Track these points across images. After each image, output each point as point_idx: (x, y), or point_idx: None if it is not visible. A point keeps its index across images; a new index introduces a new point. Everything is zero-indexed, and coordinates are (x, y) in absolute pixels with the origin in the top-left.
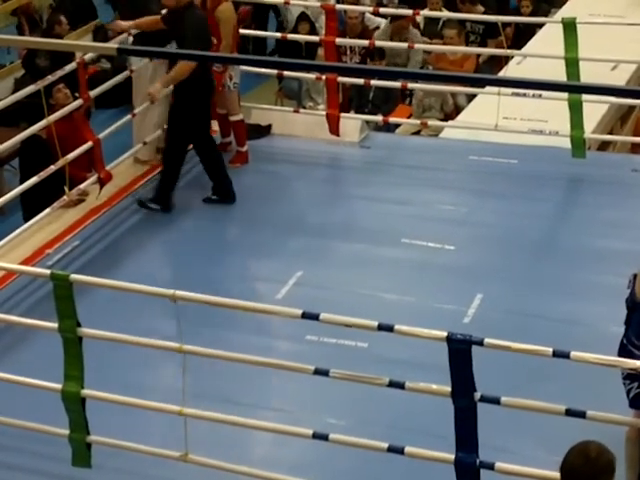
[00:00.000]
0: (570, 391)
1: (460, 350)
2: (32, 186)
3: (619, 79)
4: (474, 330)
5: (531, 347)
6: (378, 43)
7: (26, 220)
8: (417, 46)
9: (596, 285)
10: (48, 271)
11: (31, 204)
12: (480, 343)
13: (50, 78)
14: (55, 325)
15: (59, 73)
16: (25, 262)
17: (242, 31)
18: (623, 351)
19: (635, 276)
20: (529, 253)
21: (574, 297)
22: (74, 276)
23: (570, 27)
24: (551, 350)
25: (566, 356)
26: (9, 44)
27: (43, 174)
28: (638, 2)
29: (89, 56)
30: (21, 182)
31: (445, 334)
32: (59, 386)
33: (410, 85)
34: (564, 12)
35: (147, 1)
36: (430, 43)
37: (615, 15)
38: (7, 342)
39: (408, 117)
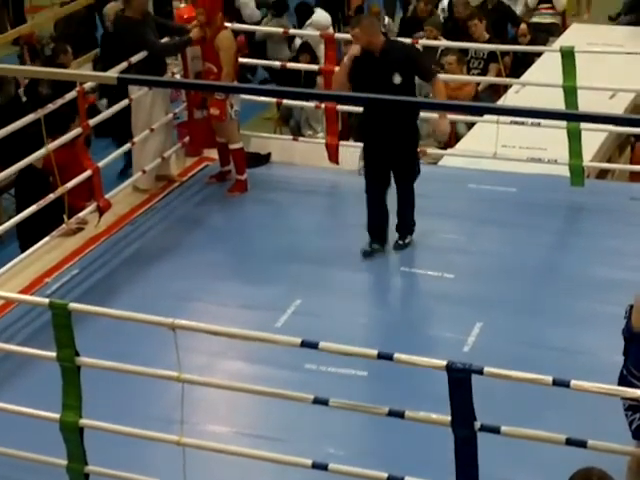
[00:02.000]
0: (571, 420)
1: (460, 379)
2: (28, 215)
3: (617, 107)
4: (474, 359)
5: (531, 376)
6: None
7: (22, 249)
8: None
9: (596, 314)
10: (47, 300)
11: (27, 233)
12: (480, 372)
13: (51, 107)
14: (53, 354)
15: (60, 102)
16: (24, 291)
17: (241, 60)
18: (623, 382)
19: (631, 307)
20: (529, 281)
21: (574, 326)
22: (73, 305)
23: (568, 56)
24: (551, 379)
25: (566, 385)
26: (10, 73)
27: (42, 203)
28: (636, 31)
29: (89, 85)
30: (17, 211)
31: (445, 363)
32: (57, 416)
33: None
34: (562, 41)
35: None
36: None
37: (613, 44)
38: (5, 371)
39: None
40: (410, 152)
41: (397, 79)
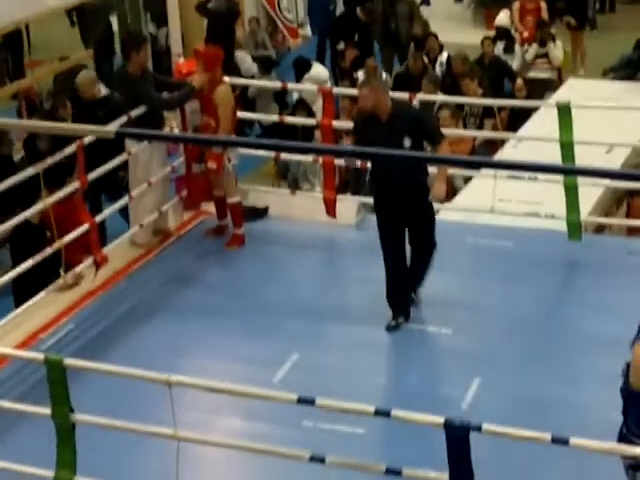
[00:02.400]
0: (569, 477)
1: (458, 436)
2: (25, 270)
3: (614, 162)
4: (472, 416)
5: (530, 433)
6: None
7: (17, 304)
8: None
9: (594, 370)
10: (42, 355)
11: (23, 288)
12: (478, 429)
13: (49, 161)
14: (48, 411)
15: (58, 156)
16: (19, 346)
17: (239, 114)
18: (623, 441)
19: (628, 365)
20: (527, 337)
21: (572, 381)
22: (68, 360)
23: (565, 110)
24: (550, 436)
25: (565, 442)
26: (9, 127)
27: (38, 257)
28: (632, 86)
29: (88, 139)
30: (14, 266)
31: (443, 420)
32: (51, 473)
33: None
34: (559, 96)
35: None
36: None
37: (610, 99)
38: (0, 427)
39: None
40: (427, 205)
41: (407, 143)
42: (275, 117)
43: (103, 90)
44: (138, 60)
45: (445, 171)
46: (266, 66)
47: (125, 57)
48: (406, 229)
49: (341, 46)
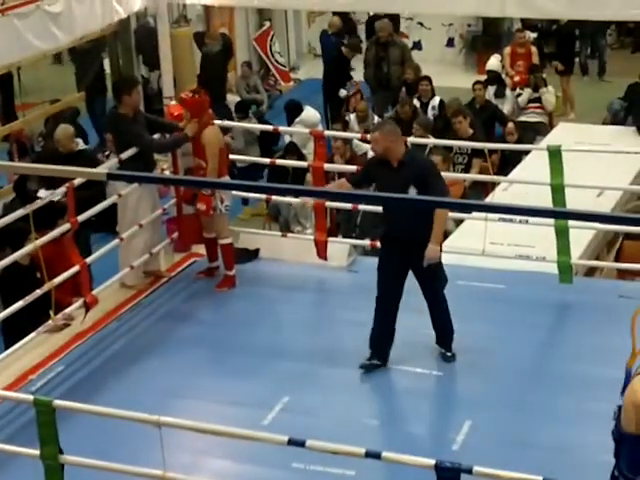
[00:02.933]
0: None
1: (449, 478)
2: (14, 311)
3: (605, 206)
4: (463, 458)
5: (521, 476)
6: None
7: (7, 346)
8: None
9: (585, 412)
10: (31, 397)
11: (12, 329)
12: (469, 471)
13: (39, 203)
14: (37, 452)
15: (49, 197)
16: (8, 387)
17: (232, 156)
18: None
19: (620, 407)
20: (517, 379)
21: (563, 424)
22: (57, 402)
23: (555, 154)
24: (541, 479)
25: None
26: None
27: (29, 298)
28: (622, 130)
29: (78, 181)
30: (4, 307)
31: (433, 462)
32: None
33: None
34: (549, 140)
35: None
36: None
37: (600, 143)
38: None
39: None
40: (430, 265)
41: (412, 192)
42: (266, 160)
43: (81, 144)
44: (130, 102)
45: (440, 232)
46: (241, 112)
47: (117, 99)
48: (409, 272)
49: (343, 93)
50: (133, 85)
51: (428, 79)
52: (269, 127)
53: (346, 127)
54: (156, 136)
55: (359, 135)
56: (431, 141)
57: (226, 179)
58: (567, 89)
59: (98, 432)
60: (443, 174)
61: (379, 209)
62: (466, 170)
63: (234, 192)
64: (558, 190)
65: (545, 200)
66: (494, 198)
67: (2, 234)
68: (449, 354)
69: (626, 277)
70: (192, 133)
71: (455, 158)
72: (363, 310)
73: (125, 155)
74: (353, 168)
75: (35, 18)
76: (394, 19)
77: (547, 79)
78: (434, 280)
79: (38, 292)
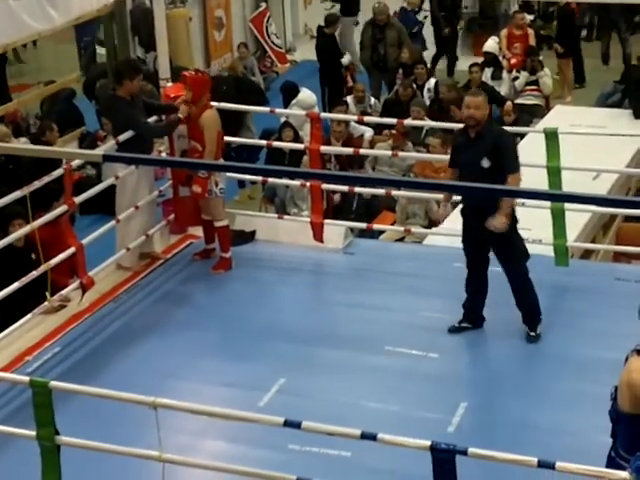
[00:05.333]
0: None
1: (444, 460)
2: (10, 293)
3: (601, 188)
4: (458, 439)
5: (516, 457)
6: (363, 151)
7: (2, 328)
8: (401, 154)
9: (580, 394)
10: (27, 378)
11: (8, 311)
12: (464, 453)
13: (37, 184)
14: (33, 433)
15: (46, 179)
16: (4, 369)
17: (227, 138)
18: (611, 464)
19: (616, 388)
20: (514, 362)
21: (558, 406)
22: (53, 383)
23: (552, 137)
24: (536, 460)
25: (551, 467)
26: None
27: (24, 280)
28: (618, 113)
29: (75, 162)
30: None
31: (429, 443)
32: None
33: (394, 193)
34: (546, 122)
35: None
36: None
37: (596, 125)
38: None
39: (392, 224)
40: (506, 236)
41: (485, 164)
42: (263, 142)
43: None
44: (130, 87)
45: (509, 204)
46: None
47: (117, 82)
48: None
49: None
50: (137, 72)
51: (423, 62)
52: (266, 109)
53: (347, 109)
54: (153, 119)
55: (356, 117)
56: (429, 123)
57: (221, 162)
58: (566, 72)
59: (94, 413)
60: (441, 156)
61: (376, 192)
62: None
63: (230, 174)
64: (554, 173)
65: (541, 183)
66: None
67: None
68: (532, 334)
69: (622, 260)
70: (184, 115)
71: None
72: (359, 292)
73: (123, 137)
74: (350, 150)
75: None
76: None
77: (543, 61)
78: (511, 250)
79: (34, 274)
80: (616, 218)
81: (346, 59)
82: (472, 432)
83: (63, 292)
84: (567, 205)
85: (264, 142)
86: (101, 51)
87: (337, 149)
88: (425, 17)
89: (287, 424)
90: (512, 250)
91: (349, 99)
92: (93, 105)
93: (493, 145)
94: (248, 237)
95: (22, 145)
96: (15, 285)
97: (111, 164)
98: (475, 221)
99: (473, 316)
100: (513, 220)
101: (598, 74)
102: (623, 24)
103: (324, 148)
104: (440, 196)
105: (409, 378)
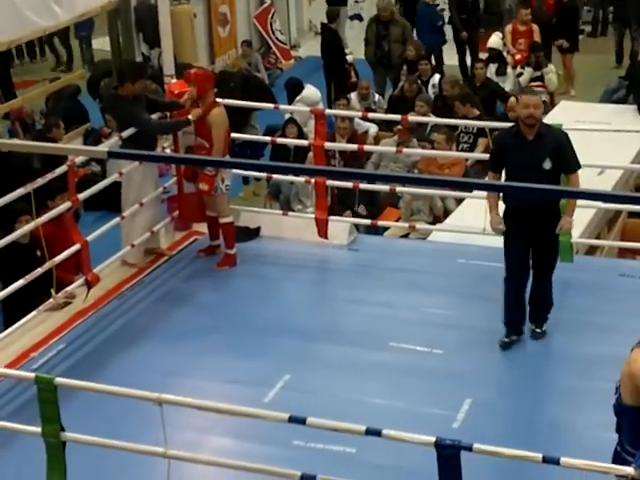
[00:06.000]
0: None
1: (449, 456)
2: (15, 290)
3: (606, 184)
4: (463, 435)
5: (521, 453)
6: (367, 148)
7: (7, 324)
8: (405, 151)
9: (585, 390)
10: (33, 374)
11: (13, 308)
12: (469, 449)
13: (40, 181)
14: (38, 429)
15: (50, 176)
16: (10, 365)
17: (233, 135)
18: (617, 459)
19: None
20: (518, 357)
21: (563, 402)
22: (58, 379)
23: None
24: (541, 456)
25: (556, 462)
26: (3, 148)
27: (29, 277)
28: (623, 109)
29: (80, 159)
30: (4, 286)
31: (434, 439)
32: None
33: (399, 189)
34: (550, 118)
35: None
36: (420, 147)
37: (601, 121)
38: None
39: (396, 220)
40: (555, 238)
41: (547, 165)
42: (267, 138)
43: None
44: (131, 89)
45: (574, 204)
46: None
47: (119, 81)
48: (531, 248)
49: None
50: (140, 76)
51: (427, 58)
52: (270, 105)
53: (348, 104)
54: (156, 115)
55: (360, 114)
56: (433, 120)
57: (226, 158)
58: (570, 67)
59: (99, 410)
60: (446, 153)
61: (380, 187)
62: (470, 150)
63: (234, 171)
64: None
65: None
66: None
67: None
68: (538, 330)
69: (626, 256)
70: (195, 118)
71: (460, 137)
72: (364, 288)
73: (126, 134)
74: (354, 147)
75: None
76: None
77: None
78: (552, 255)
79: (39, 270)
80: (621, 214)
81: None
82: (477, 428)
83: (68, 289)
84: None
85: (268, 138)
86: (97, 45)
87: (341, 145)
88: (442, 10)
89: (292, 420)
90: (555, 249)
91: (353, 95)
92: (97, 103)
93: (555, 145)
94: (253, 234)
95: (25, 142)
96: (20, 282)
97: (116, 160)
98: (529, 223)
99: (519, 326)
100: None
101: (604, 71)
102: (635, 22)
103: (328, 144)
104: (444, 192)
105: (414, 374)
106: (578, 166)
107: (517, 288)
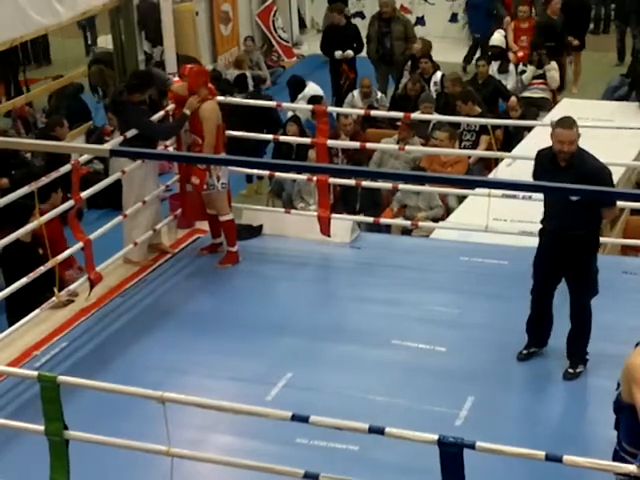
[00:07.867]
0: None
1: (451, 453)
2: (17, 288)
3: None
4: (466, 433)
5: (524, 451)
6: (370, 145)
7: (10, 322)
8: (407, 148)
9: (588, 388)
10: (35, 373)
11: (16, 306)
12: (472, 446)
13: (44, 180)
14: (41, 427)
15: (53, 175)
16: (13, 364)
17: (235, 132)
18: (616, 458)
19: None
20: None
21: (566, 400)
22: (61, 378)
23: None
24: (544, 454)
25: (559, 460)
26: (3, 146)
27: (32, 275)
28: (625, 106)
29: (83, 157)
30: (6, 285)
31: (436, 437)
32: None
33: (401, 186)
34: (553, 115)
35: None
36: (422, 145)
37: (603, 119)
38: None
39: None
40: (587, 260)
41: (574, 196)
42: (269, 136)
43: None
44: (139, 98)
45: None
46: (242, 84)
47: (129, 90)
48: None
49: (338, 54)
50: (150, 85)
51: (428, 56)
52: (272, 103)
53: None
54: (157, 116)
55: (362, 111)
56: (437, 117)
57: (227, 156)
58: (577, 64)
59: (102, 408)
60: (448, 150)
61: (382, 185)
62: (473, 147)
63: (236, 169)
64: None
65: None
66: (497, 174)
67: (5, 211)
68: (571, 370)
69: (629, 253)
70: (192, 109)
71: (463, 135)
72: (366, 286)
73: (130, 134)
74: (356, 144)
75: None
76: None
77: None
78: (585, 279)
79: (42, 269)
80: (624, 211)
81: (338, 53)
82: (479, 426)
83: (71, 287)
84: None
85: (270, 136)
86: (100, 44)
87: (344, 143)
88: None
89: (295, 418)
90: (587, 279)
91: (355, 93)
92: (96, 99)
93: (587, 176)
94: (255, 232)
95: (28, 140)
96: (23, 280)
97: (118, 159)
98: (557, 244)
99: (540, 338)
100: (595, 249)
101: (606, 68)
102: (634, 20)
103: (331, 142)
104: (445, 190)
105: (416, 372)
106: (611, 201)
107: (539, 301)
